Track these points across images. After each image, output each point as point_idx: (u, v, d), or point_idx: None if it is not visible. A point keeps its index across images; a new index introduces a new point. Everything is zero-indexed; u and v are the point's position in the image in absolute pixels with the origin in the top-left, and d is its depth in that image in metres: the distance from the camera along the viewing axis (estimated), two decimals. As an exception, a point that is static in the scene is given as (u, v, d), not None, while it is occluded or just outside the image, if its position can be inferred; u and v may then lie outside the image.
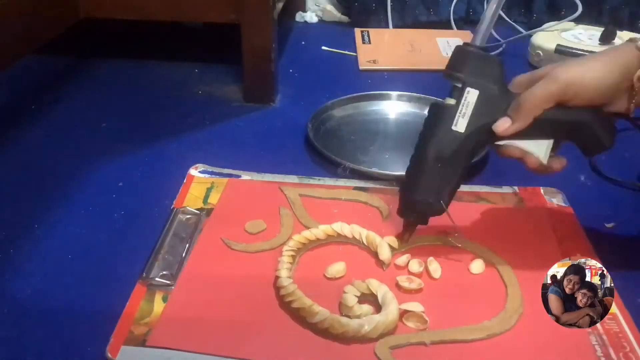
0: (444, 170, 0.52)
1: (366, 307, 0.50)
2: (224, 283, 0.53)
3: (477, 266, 0.56)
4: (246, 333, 0.48)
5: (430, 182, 0.53)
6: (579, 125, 0.50)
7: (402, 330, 0.49)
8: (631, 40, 0.50)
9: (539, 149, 0.51)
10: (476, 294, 0.53)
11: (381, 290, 0.52)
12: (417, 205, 0.55)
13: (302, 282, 0.52)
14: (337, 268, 0.54)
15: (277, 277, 0.53)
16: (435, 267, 0.55)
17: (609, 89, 0.49)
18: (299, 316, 0.49)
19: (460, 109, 0.51)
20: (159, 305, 0.50)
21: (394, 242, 0.58)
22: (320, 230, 0.58)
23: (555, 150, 0.52)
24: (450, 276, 0.55)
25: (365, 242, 0.58)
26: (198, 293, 0.52)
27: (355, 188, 0.67)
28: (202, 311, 0.50)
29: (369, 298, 0.52)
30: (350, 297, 0.51)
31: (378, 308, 0.51)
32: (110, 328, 0.48)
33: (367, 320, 0.48)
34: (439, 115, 0.52)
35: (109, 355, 0.45)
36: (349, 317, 0.49)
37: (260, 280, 0.53)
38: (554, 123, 0.50)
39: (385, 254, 0.56)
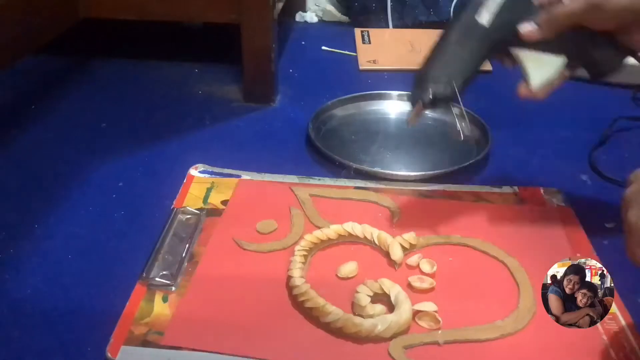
0: (461, 56, 0.54)
1: (379, 307, 0.50)
2: (237, 283, 0.54)
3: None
4: (260, 333, 0.48)
5: (446, 62, 0.54)
6: (584, 49, 0.54)
7: (415, 330, 0.49)
8: None
9: (539, 73, 0.54)
10: (488, 293, 0.53)
11: (394, 290, 0.52)
12: (429, 82, 0.54)
13: (314, 281, 0.52)
14: (349, 268, 0.55)
15: (289, 277, 0.53)
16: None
17: (629, 15, 0.50)
18: (312, 316, 0.50)
19: (487, 2, 0.53)
20: (159, 306, 0.50)
21: (406, 242, 0.58)
22: (331, 230, 0.59)
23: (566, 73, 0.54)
24: (462, 276, 0.55)
25: (376, 242, 0.58)
26: (211, 293, 0.52)
27: (357, 187, 0.67)
28: (216, 311, 0.50)
29: (381, 298, 0.52)
30: (363, 296, 0.51)
31: (391, 308, 0.51)
32: (111, 328, 0.48)
33: (380, 320, 0.48)
34: (466, 6, 0.54)
35: (109, 355, 0.45)
36: (361, 316, 0.49)
37: (272, 280, 0.54)
38: (565, 42, 0.53)
39: (397, 254, 0.56)
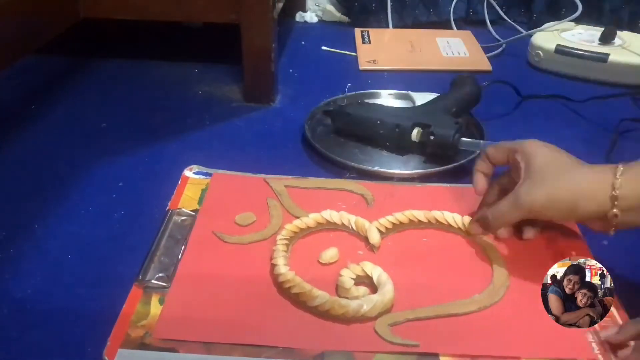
0: None
1: (362, 289, 0.52)
2: (222, 275, 0.54)
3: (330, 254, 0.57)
4: (249, 320, 0.49)
5: None
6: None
7: (398, 308, 0.51)
8: (610, 168, 0.49)
9: None
10: (464, 270, 0.56)
11: (376, 271, 0.53)
12: None
13: (297, 269, 0.54)
14: (330, 254, 0.56)
15: (274, 266, 0.54)
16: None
17: (575, 219, 0.55)
18: (299, 301, 0.51)
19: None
20: (155, 308, 0.50)
21: (382, 227, 0.60)
22: (310, 219, 0.60)
23: None
24: (437, 255, 0.57)
25: (354, 227, 0.60)
26: (197, 286, 0.53)
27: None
28: (204, 303, 0.51)
29: (364, 280, 0.54)
30: (347, 279, 0.52)
31: (373, 289, 0.53)
32: (111, 329, 0.48)
33: (365, 301, 0.50)
34: None
35: (106, 358, 0.45)
36: (347, 298, 0.51)
37: (256, 269, 0.55)
38: None
39: (375, 238, 0.58)
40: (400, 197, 0.66)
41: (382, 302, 0.50)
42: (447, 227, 0.61)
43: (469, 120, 0.81)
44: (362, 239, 0.59)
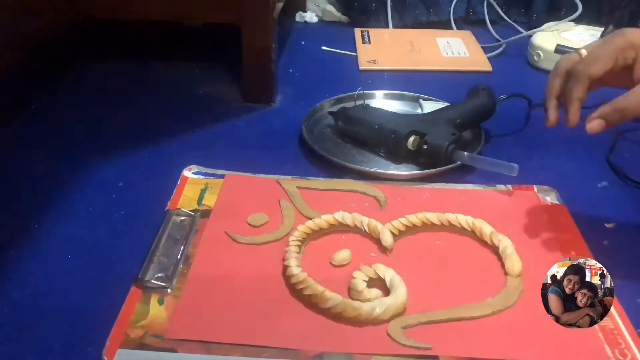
0: None
1: (375, 291, 0.52)
2: (234, 275, 0.54)
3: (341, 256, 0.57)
4: (261, 321, 0.49)
5: None
6: None
7: (411, 311, 0.51)
8: None
9: None
10: (477, 274, 0.55)
11: (388, 274, 0.53)
12: None
13: (310, 270, 0.53)
14: (342, 255, 0.56)
15: (286, 267, 0.54)
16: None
17: None
18: (311, 303, 0.51)
19: None
20: (154, 308, 0.50)
21: (395, 229, 0.59)
22: (323, 220, 0.60)
23: None
24: (451, 258, 0.57)
25: (367, 229, 0.60)
26: (210, 286, 0.53)
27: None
28: (216, 303, 0.51)
29: (376, 282, 0.53)
30: (360, 282, 0.52)
31: (385, 292, 0.52)
32: (110, 329, 0.48)
33: (378, 303, 0.50)
34: None
35: (105, 358, 0.45)
36: (359, 301, 0.51)
37: (269, 270, 0.55)
38: None
39: (387, 240, 0.58)
40: (412, 199, 0.65)
41: (395, 305, 0.50)
42: (461, 230, 0.60)
43: (476, 132, 0.79)
44: (374, 241, 0.59)
